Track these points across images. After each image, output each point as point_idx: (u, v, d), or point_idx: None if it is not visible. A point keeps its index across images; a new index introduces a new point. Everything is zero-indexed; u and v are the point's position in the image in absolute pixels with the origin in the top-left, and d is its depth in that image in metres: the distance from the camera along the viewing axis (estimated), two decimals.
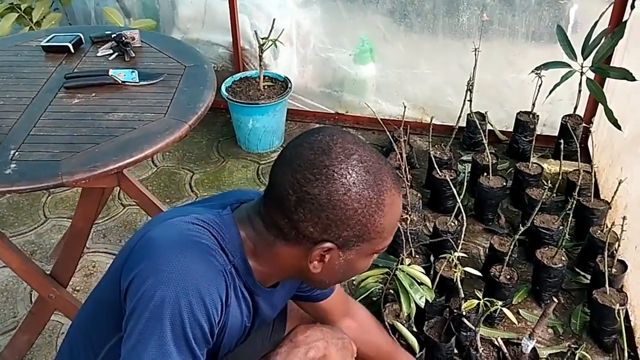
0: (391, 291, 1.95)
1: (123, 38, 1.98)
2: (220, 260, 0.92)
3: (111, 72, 1.81)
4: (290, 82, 2.94)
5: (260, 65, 2.87)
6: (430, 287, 1.86)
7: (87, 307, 1.09)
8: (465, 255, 2.03)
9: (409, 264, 2.00)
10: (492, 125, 2.82)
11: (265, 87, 2.92)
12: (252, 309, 1.06)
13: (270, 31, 2.79)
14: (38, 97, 1.77)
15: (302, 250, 0.94)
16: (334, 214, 0.89)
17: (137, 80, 1.82)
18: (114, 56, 1.97)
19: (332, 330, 1.20)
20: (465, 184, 2.20)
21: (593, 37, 2.39)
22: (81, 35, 2.06)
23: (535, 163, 2.49)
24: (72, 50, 2.00)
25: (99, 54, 1.99)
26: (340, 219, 0.89)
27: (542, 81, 2.52)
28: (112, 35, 2.01)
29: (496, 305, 1.73)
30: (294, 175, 0.89)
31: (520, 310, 2.07)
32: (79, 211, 1.82)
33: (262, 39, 2.82)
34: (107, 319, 0.96)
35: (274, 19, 2.77)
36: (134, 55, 1.98)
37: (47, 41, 2.03)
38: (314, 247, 0.92)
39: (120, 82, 1.80)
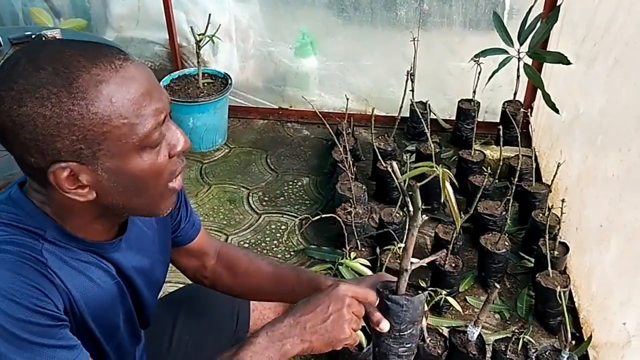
0: None
1: (44, 38, 1.88)
2: (13, 249, 0.84)
3: None
4: (230, 78, 2.88)
5: (198, 62, 2.80)
6: None
7: None
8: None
9: (354, 258, 1.98)
10: (435, 114, 2.82)
11: (205, 84, 2.85)
12: (112, 268, 0.98)
13: (207, 26, 2.73)
14: None
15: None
16: (29, 132, 0.76)
17: None
18: None
19: (314, 314, 1.01)
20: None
21: (528, 22, 2.41)
22: None
23: (478, 150, 2.50)
24: None
25: None
26: (39, 133, 0.76)
27: (481, 68, 2.53)
28: (32, 36, 1.91)
29: (440, 294, 1.72)
30: None
31: (467, 298, 2.07)
32: None
33: (199, 35, 2.75)
34: None
35: (210, 14, 2.70)
36: None
37: None
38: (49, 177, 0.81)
39: None
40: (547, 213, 2.09)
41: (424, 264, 1.08)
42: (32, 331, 0.81)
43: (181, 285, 2.02)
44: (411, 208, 0.99)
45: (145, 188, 0.87)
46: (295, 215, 2.52)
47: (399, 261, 1.91)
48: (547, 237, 1.93)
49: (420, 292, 1.07)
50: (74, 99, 0.76)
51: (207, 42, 2.77)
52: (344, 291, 1.00)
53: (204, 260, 1.30)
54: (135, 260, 1.04)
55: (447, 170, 0.98)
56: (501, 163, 2.28)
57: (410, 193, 0.97)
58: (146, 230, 1.08)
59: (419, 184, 0.98)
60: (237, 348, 0.95)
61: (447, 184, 0.98)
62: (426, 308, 1.12)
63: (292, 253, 2.33)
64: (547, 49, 2.53)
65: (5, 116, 0.77)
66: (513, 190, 2.07)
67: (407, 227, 1.01)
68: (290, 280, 1.24)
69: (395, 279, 1.08)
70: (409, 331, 1.06)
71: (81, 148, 0.79)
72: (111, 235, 0.98)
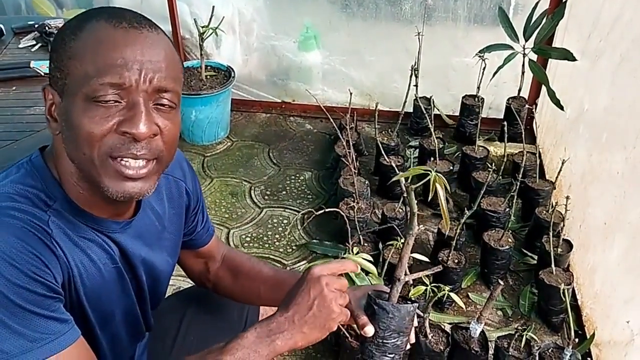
0: None
1: (47, 28, 1.88)
2: (21, 216, 0.85)
3: (33, 64, 1.71)
4: (233, 71, 2.86)
5: (201, 54, 2.79)
6: (377, 275, 1.83)
7: None
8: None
9: (357, 253, 1.97)
10: (438, 110, 2.81)
11: (208, 77, 2.84)
12: (115, 252, 0.98)
13: (210, 19, 2.71)
14: None
15: None
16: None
17: None
18: (37, 47, 1.87)
19: (299, 310, 0.99)
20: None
21: (534, 18, 2.39)
22: (2, 27, 1.95)
23: (482, 146, 2.49)
24: None
25: (20, 46, 1.89)
26: (50, 55, 0.89)
27: (486, 64, 2.51)
28: (35, 26, 1.91)
29: (443, 290, 1.71)
30: None
31: (469, 294, 2.07)
32: None
33: (203, 27, 2.73)
34: None
35: (213, 7, 2.69)
36: None
37: None
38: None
39: (42, 74, 1.70)
40: (550, 210, 2.08)
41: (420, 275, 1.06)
42: (27, 298, 0.82)
43: (182, 279, 2.02)
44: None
45: (81, 144, 0.85)
46: (298, 209, 2.51)
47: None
48: (551, 234, 1.92)
49: (409, 302, 1.05)
50: (71, 33, 0.86)
51: (210, 35, 2.75)
52: (318, 272, 1.00)
53: (210, 264, 1.32)
54: (143, 251, 1.04)
55: (441, 176, 0.96)
56: (505, 159, 2.27)
57: (404, 195, 0.95)
58: (157, 226, 1.08)
59: (413, 186, 0.96)
60: (226, 342, 0.95)
61: (439, 188, 0.96)
62: (415, 323, 1.10)
63: (294, 247, 2.32)
64: (553, 45, 2.52)
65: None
66: (517, 187, 2.06)
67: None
68: (290, 284, 1.21)
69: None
70: (392, 340, 1.04)
71: (57, 77, 0.87)
72: (121, 218, 0.99)
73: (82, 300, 0.95)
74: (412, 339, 1.10)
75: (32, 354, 0.82)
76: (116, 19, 0.85)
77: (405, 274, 1.03)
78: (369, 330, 1.03)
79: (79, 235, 0.92)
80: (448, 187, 1.01)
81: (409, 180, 1.00)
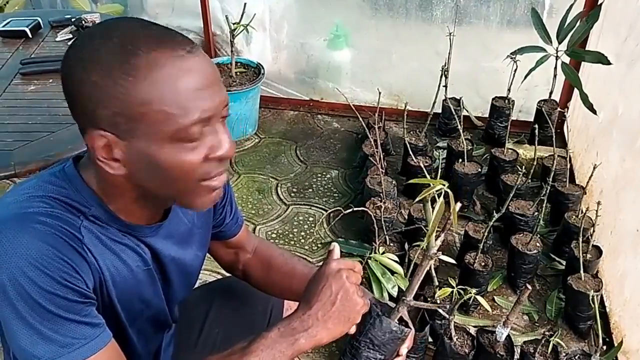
0: (364, 280, 1.91)
1: (83, 22, 1.91)
2: (52, 222, 0.85)
3: None
4: (263, 68, 2.88)
5: (231, 51, 2.81)
6: (404, 275, 1.83)
7: None
8: (440, 243, 1.99)
9: (383, 252, 1.97)
10: (467, 111, 2.79)
11: (238, 73, 2.86)
12: (148, 254, 0.99)
13: (242, 16, 2.73)
14: None
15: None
16: (82, 96, 0.81)
17: None
18: (73, 41, 1.90)
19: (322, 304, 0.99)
20: (440, 170, 2.16)
21: (568, 20, 2.36)
22: (39, 20, 1.99)
23: (511, 149, 2.47)
24: (30, 35, 1.92)
25: (57, 39, 1.92)
26: (88, 98, 0.80)
27: (517, 66, 2.48)
28: (72, 20, 1.94)
29: (470, 293, 1.70)
30: None
31: (495, 298, 2.05)
32: None
33: (234, 24, 2.75)
34: None
35: (245, 4, 2.70)
36: None
37: (3, 26, 1.95)
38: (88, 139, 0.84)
39: None
40: (580, 215, 2.05)
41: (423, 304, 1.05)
42: (58, 304, 0.82)
43: (208, 272, 2.04)
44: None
45: (172, 180, 0.85)
46: (324, 207, 2.51)
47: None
48: (580, 239, 1.90)
49: (403, 326, 1.02)
50: (123, 74, 0.78)
51: (241, 32, 2.77)
52: (336, 266, 0.99)
53: (241, 254, 1.32)
54: (173, 250, 1.05)
55: (448, 190, 0.94)
56: (535, 163, 2.24)
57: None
58: (187, 223, 1.09)
59: (428, 195, 0.94)
60: (249, 341, 0.95)
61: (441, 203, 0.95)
62: (402, 353, 1.07)
63: (319, 245, 2.32)
64: (587, 48, 2.48)
65: (70, 81, 0.82)
66: (547, 191, 2.04)
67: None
68: None
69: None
70: (365, 349, 1.02)
71: (119, 122, 0.81)
72: (153, 221, 0.99)
73: (114, 302, 0.96)
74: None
75: (63, 359, 0.83)
76: (168, 46, 0.81)
77: (412, 300, 1.01)
78: (352, 329, 1.01)
79: (112, 239, 0.93)
80: (452, 198, 0.98)
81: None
